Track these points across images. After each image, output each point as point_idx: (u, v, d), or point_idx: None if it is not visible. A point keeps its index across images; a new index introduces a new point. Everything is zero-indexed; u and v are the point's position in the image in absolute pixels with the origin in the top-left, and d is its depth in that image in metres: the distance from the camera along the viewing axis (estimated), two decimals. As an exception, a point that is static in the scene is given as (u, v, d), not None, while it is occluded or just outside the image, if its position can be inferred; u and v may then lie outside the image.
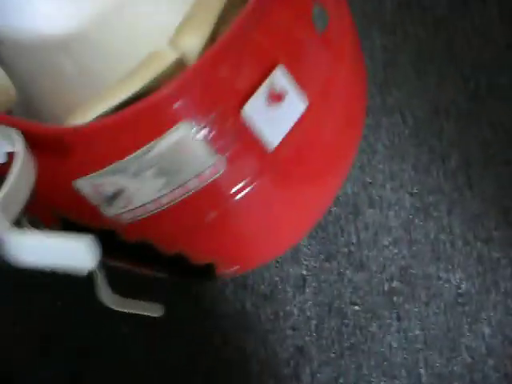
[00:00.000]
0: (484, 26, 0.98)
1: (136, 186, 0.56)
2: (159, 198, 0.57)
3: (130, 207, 0.58)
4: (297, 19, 0.59)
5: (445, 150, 0.91)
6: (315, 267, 0.87)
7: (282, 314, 0.86)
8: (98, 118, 0.54)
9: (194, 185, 0.57)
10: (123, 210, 0.59)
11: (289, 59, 0.56)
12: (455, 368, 0.84)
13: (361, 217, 0.88)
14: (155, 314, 0.74)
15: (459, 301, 0.86)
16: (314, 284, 0.86)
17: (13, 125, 0.53)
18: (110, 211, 0.59)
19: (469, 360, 0.84)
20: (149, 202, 0.58)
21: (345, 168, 0.73)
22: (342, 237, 0.88)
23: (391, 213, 0.89)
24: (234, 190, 0.59)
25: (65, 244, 0.48)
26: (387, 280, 0.86)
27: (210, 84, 0.54)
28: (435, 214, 0.89)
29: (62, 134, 0.54)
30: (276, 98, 0.55)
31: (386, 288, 0.86)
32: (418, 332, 0.85)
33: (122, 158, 0.54)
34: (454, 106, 0.93)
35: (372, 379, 0.83)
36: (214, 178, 0.57)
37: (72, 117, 0.55)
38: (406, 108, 0.94)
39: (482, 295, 0.86)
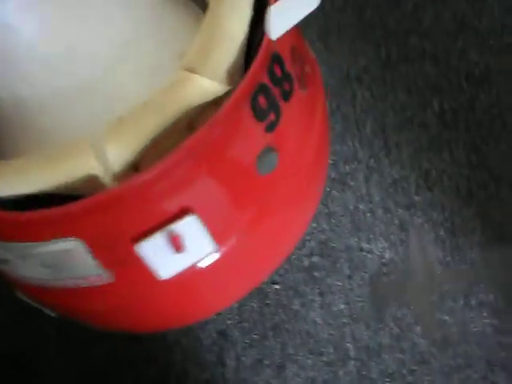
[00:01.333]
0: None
1: (20, 264, 0.55)
2: (44, 280, 0.57)
3: (14, 273, 0.58)
4: (234, 165, 0.54)
5: (359, 117, 0.89)
6: (233, 248, 0.84)
7: (201, 299, 0.83)
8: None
9: (78, 282, 0.56)
10: (7, 272, 0.59)
11: (207, 208, 0.53)
12: (383, 339, 0.81)
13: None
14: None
15: (383, 270, 0.83)
16: (232, 266, 0.84)
17: None
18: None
19: (396, 330, 0.82)
20: (32, 279, 0.58)
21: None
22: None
23: (308, 186, 0.86)
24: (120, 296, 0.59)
25: None
26: (307, 256, 0.84)
27: (111, 215, 0.51)
28: (352, 183, 0.86)
29: None
30: (177, 243, 0.52)
31: (306, 264, 0.83)
32: (342, 306, 0.82)
33: (7, 241, 0.53)
34: (367, 73, 0.91)
35: (298, 358, 0.81)
36: (100, 284, 0.56)
37: None
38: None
39: (406, 263, 0.84)
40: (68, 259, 0.53)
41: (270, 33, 0.52)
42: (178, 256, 0.53)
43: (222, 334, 0.82)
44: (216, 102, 0.52)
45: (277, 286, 0.83)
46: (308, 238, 0.84)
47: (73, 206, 0.49)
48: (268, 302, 0.82)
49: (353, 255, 0.84)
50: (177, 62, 0.53)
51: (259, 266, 0.66)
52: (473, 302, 0.82)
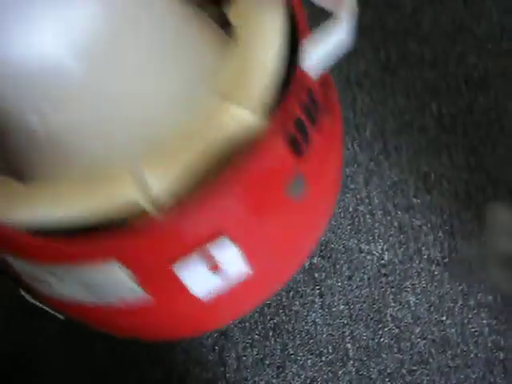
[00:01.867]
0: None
1: (59, 285, 0.56)
2: (82, 300, 0.58)
3: (48, 292, 0.59)
4: (268, 193, 0.56)
5: (359, 121, 0.90)
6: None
7: (203, 300, 0.84)
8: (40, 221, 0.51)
9: (117, 304, 0.57)
10: (44, 293, 0.60)
11: (242, 232, 0.55)
12: (382, 339, 0.82)
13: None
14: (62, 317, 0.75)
15: (382, 272, 0.85)
16: (233, 267, 0.85)
17: None
18: (32, 284, 0.60)
19: (395, 330, 0.83)
20: (67, 297, 0.58)
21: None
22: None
23: (308, 189, 0.87)
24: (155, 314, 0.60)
25: None
26: (307, 257, 0.85)
27: (152, 241, 0.52)
28: (352, 186, 0.87)
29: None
30: (213, 265, 0.54)
31: (306, 265, 0.85)
32: (342, 307, 0.83)
33: (49, 263, 0.54)
34: (367, 78, 0.92)
35: (298, 358, 0.82)
36: (136, 303, 0.57)
37: (18, 206, 0.52)
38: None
39: (406, 264, 0.85)
40: (108, 281, 0.54)
41: (311, 72, 0.54)
42: (213, 276, 0.55)
43: (223, 334, 0.83)
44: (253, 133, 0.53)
45: (277, 287, 0.84)
46: (308, 239, 0.85)
47: (116, 234, 0.50)
48: (269, 302, 0.83)
49: (352, 256, 0.85)
50: (208, 90, 0.54)
51: (282, 277, 0.70)
52: (471, 303, 0.83)
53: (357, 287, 0.84)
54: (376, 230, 0.86)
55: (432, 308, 0.83)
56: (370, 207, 0.87)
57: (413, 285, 0.84)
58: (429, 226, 0.86)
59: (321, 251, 0.85)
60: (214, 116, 0.52)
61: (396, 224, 0.86)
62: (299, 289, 0.84)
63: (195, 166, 0.51)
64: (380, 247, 0.85)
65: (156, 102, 0.54)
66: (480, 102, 0.91)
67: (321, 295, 0.84)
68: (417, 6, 0.97)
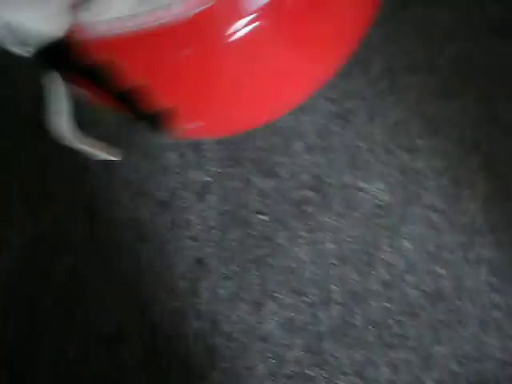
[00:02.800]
0: None
1: None
2: (134, 16, 0.52)
3: (106, 16, 0.53)
4: None
5: (368, 56, 0.83)
6: (219, 173, 0.78)
7: (181, 222, 0.77)
8: None
9: (174, 11, 0.52)
10: (99, 19, 0.53)
11: None
12: (371, 285, 0.75)
13: (272, 122, 0.80)
14: (114, 158, 0.69)
15: (378, 212, 0.78)
16: (217, 191, 0.77)
17: None
18: (86, 16, 0.53)
19: (386, 276, 0.76)
20: (123, 18, 0.53)
21: (349, 47, 0.68)
22: (251, 142, 0.79)
23: (306, 118, 0.80)
24: (226, 30, 0.54)
25: None
26: (298, 188, 0.78)
27: None
28: (355, 120, 0.81)
29: None
30: None
31: (296, 197, 0.77)
32: (331, 245, 0.76)
33: None
34: (380, 14, 0.86)
35: (277, 295, 0.74)
36: (199, 9, 0.52)
37: None
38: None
39: (404, 207, 0.78)
40: None
41: None
42: None
43: (199, 261, 0.75)
44: None
45: (262, 217, 0.77)
46: (301, 169, 0.78)
47: None
48: (252, 232, 0.76)
49: (347, 193, 0.78)
50: None
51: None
52: (471, 257, 0.77)
53: (349, 226, 0.77)
54: (375, 168, 0.79)
55: (428, 257, 0.76)
56: (370, 144, 0.80)
57: (409, 230, 0.77)
58: (431, 169, 0.80)
59: (314, 184, 0.78)
60: None
61: (397, 164, 0.79)
62: (286, 221, 0.76)
63: None
64: (377, 187, 0.78)
65: None
66: (498, 50, 0.85)
67: (309, 231, 0.76)
68: None
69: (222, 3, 0.52)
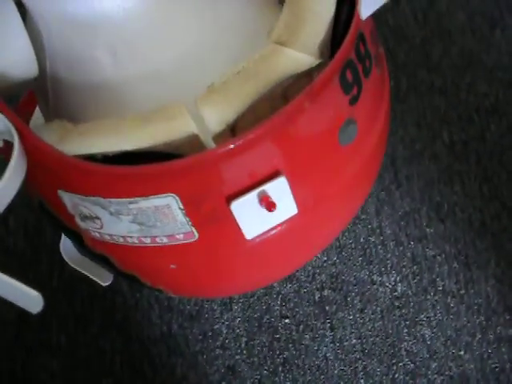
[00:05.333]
0: (397, 25, 0.97)
1: (110, 221, 0.56)
2: (129, 237, 0.57)
3: (100, 231, 0.58)
4: (321, 134, 0.57)
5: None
6: (242, 282, 0.82)
7: (210, 333, 0.81)
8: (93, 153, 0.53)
9: (164, 240, 0.57)
10: (93, 230, 0.58)
11: (294, 171, 0.55)
12: (397, 375, 0.78)
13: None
14: (103, 283, 0.74)
15: (396, 304, 0.81)
16: (241, 300, 0.82)
17: (13, 123, 0.53)
18: (82, 224, 0.59)
19: (411, 366, 0.79)
20: (118, 236, 0.58)
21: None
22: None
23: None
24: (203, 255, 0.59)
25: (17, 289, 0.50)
26: (317, 289, 0.82)
27: (209, 174, 0.53)
28: (363, 216, 0.85)
29: (57, 159, 0.53)
30: (268, 204, 0.54)
31: (316, 297, 0.81)
32: (354, 341, 0.80)
33: (105, 196, 0.54)
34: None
35: (309, 395, 0.78)
36: (185, 242, 0.56)
37: (69, 139, 0.53)
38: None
39: (420, 296, 0.81)
40: (160, 216, 0.54)
41: (361, 12, 0.55)
42: (265, 215, 0.55)
43: (231, 369, 0.79)
44: (308, 75, 0.55)
45: (287, 321, 0.81)
46: (318, 271, 0.82)
47: (174, 164, 0.50)
48: (277, 336, 0.80)
49: (364, 288, 0.82)
50: (265, 41, 0.57)
51: (330, 226, 0.68)
52: (491, 337, 0.79)
53: (369, 320, 0.81)
54: (388, 261, 0.83)
55: (449, 342, 0.79)
56: (381, 238, 0.84)
57: (428, 318, 0.80)
58: (443, 256, 0.83)
59: (331, 283, 0.82)
60: (269, 57, 0.54)
61: (409, 255, 0.83)
62: (309, 322, 0.80)
63: (250, 103, 0.52)
64: (393, 279, 0.82)
65: (216, 53, 0.59)
66: (492, 129, 0.89)
67: (332, 329, 0.80)
68: (426, 37, 0.96)
69: (200, 241, 0.57)
